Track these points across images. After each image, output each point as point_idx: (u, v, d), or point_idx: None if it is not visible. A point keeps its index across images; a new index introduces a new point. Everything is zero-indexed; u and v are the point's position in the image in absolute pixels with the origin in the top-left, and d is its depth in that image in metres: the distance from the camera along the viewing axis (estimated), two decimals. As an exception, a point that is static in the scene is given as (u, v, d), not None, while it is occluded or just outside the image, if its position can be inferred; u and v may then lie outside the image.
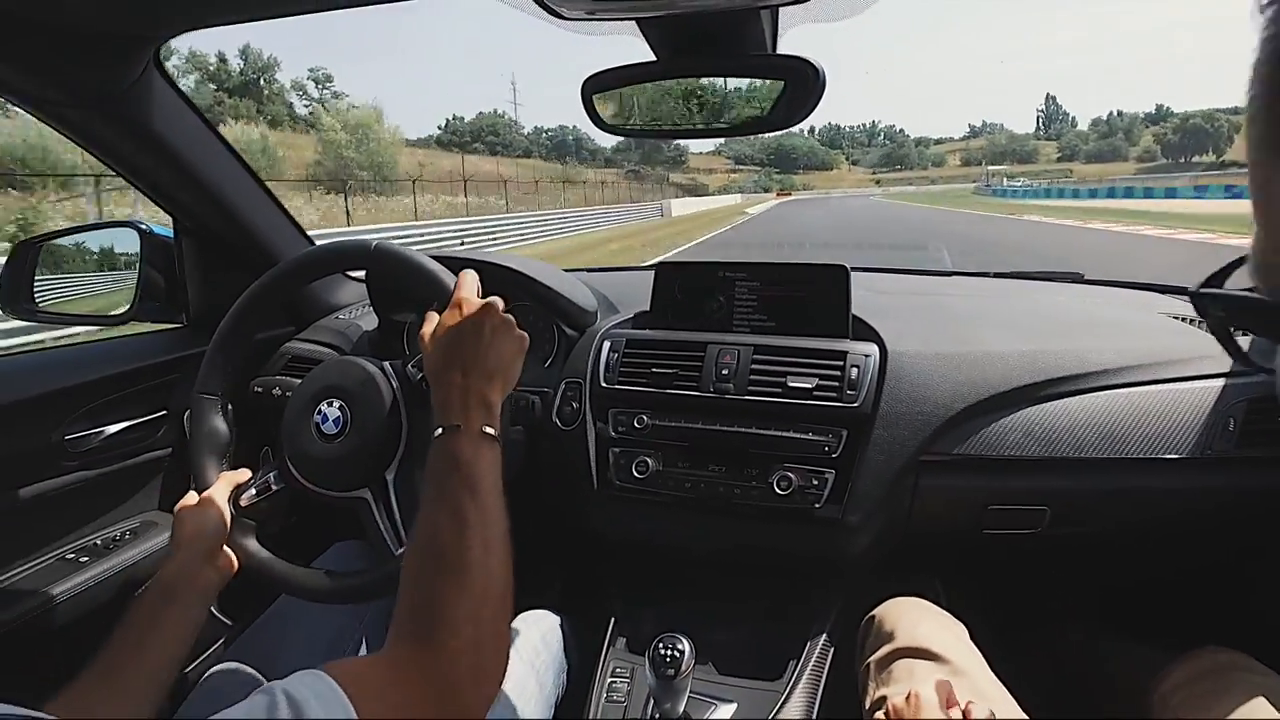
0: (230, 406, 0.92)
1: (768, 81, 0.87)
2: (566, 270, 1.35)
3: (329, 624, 0.99)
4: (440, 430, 0.70)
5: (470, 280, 0.81)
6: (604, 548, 1.23)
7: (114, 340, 1.22)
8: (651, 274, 1.22)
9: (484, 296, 0.80)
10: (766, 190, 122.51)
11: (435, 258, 0.89)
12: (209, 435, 0.89)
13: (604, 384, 1.12)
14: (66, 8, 0.77)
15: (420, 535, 0.63)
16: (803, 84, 0.85)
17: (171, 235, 1.24)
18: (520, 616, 1.07)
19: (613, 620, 1.14)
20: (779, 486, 1.02)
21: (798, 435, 1.03)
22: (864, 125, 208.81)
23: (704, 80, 0.92)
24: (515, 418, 1.13)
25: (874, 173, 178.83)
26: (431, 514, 0.64)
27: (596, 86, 0.91)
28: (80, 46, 0.86)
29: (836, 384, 1.04)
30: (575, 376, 1.14)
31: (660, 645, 0.90)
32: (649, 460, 1.08)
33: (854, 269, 1.13)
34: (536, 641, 1.03)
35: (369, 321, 1.33)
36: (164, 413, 1.20)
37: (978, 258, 11.10)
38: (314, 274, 0.94)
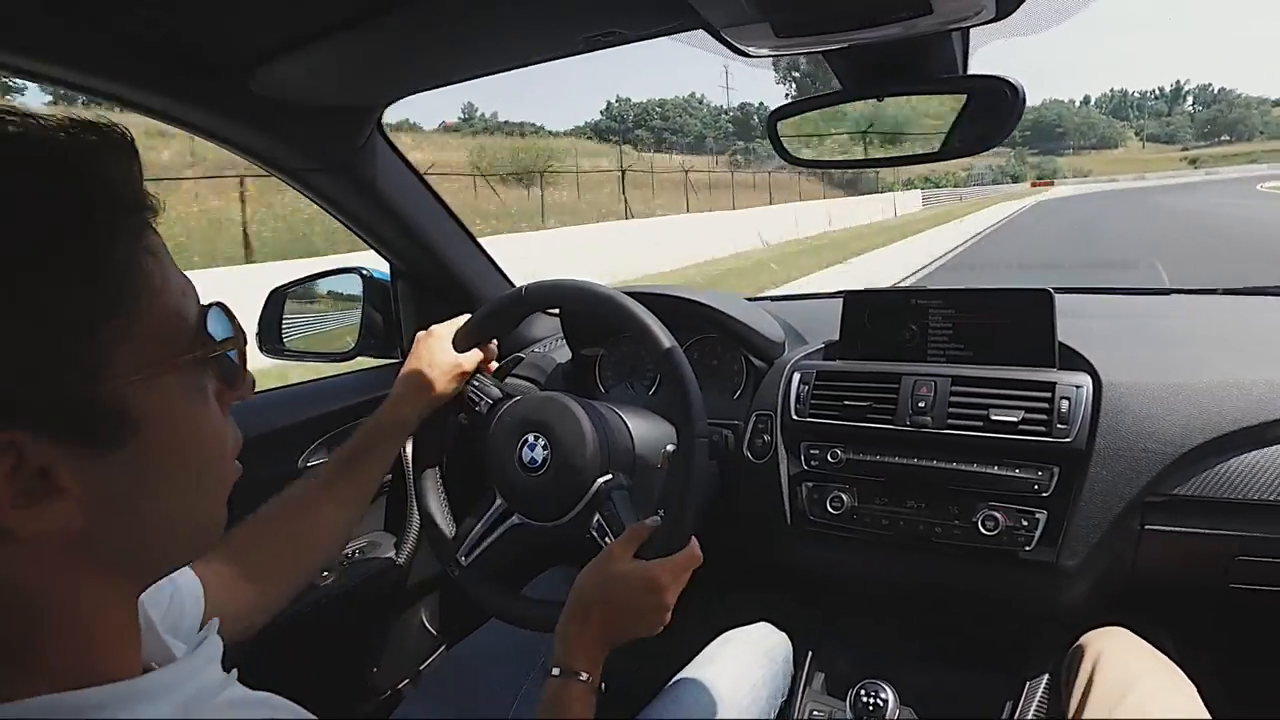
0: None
1: (959, 103, 0.85)
2: (749, 299, 1.38)
3: (528, 648, 1.03)
4: (560, 673, 0.72)
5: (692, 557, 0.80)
6: (798, 583, 1.22)
7: (342, 376, 1.38)
8: (837, 302, 1.21)
9: (671, 329, 0.86)
10: (1016, 179, 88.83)
11: (628, 293, 0.94)
12: (433, 519, 1.00)
13: (795, 417, 1.11)
14: (308, 87, 0.92)
15: None
16: (999, 103, 0.81)
17: (389, 278, 1.40)
18: (751, 626, 1.09)
19: (809, 657, 1.13)
20: (984, 526, 0.97)
21: (1004, 472, 0.97)
22: (1158, 90, 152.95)
23: (892, 106, 0.91)
24: (711, 452, 1.14)
25: (1185, 149, 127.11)
26: None
27: (783, 116, 0.94)
28: (318, 119, 1.02)
29: (1045, 417, 0.97)
30: (765, 409, 1.14)
31: (863, 692, 0.89)
32: (844, 495, 1.06)
33: (1055, 290, 1.04)
34: (760, 653, 1.04)
35: (561, 354, 1.40)
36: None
37: None
38: (538, 306, 1.03)
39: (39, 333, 0.34)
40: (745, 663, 1.01)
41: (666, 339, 0.87)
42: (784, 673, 1.05)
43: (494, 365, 1.02)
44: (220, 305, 0.44)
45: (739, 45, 0.80)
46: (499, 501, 0.97)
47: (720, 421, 1.17)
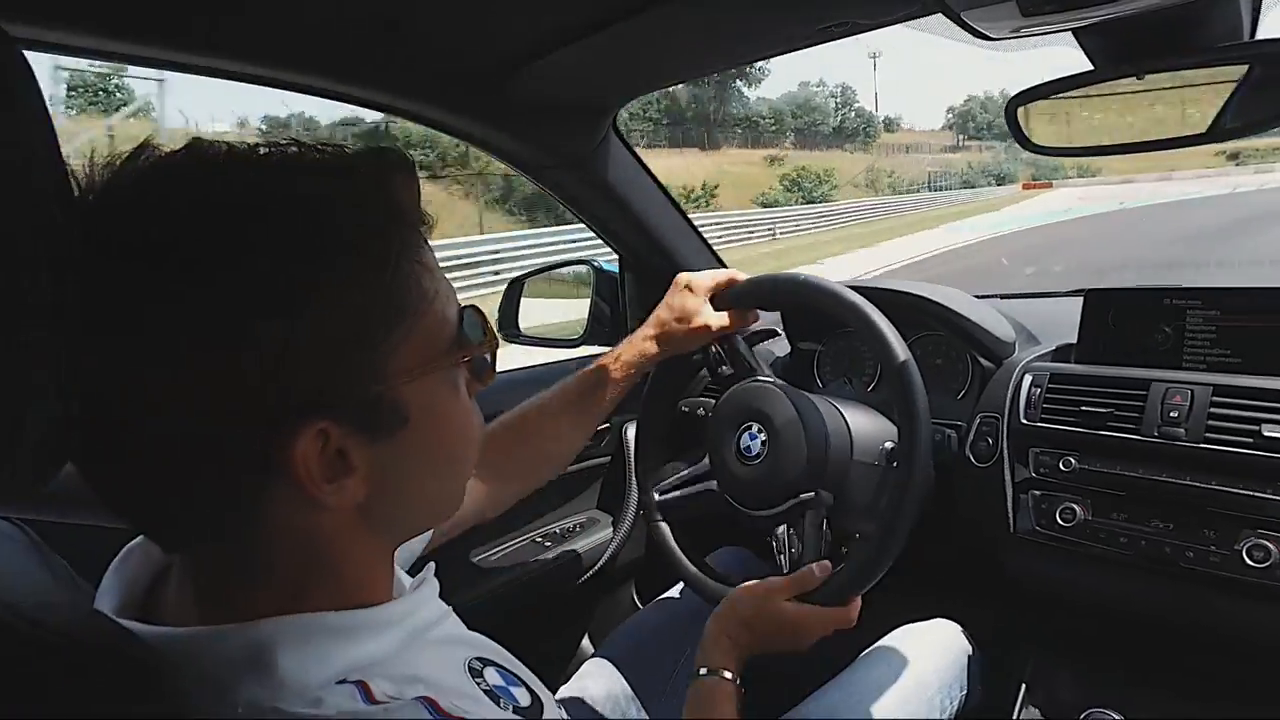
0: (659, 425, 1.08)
1: (1233, 75, 0.76)
2: (978, 296, 1.31)
3: (686, 628, 1.06)
4: (707, 673, 0.78)
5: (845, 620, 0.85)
6: (1018, 595, 1.15)
7: (567, 362, 1.46)
8: (1076, 301, 1.12)
9: (895, 324, 0.86)
10: (1002, 181, 65.88)
11: (852, 287, 0.94)
12: (647, 452, 1.07)
13: (1024, 421, 1.04)
14: (554, 90, 1.01)
15: None
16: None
17: (616, 270, 1.49)
18: (930, 623, 1.07)
19: (1027, 677, 1.07)
20: (1251, 556, 0.85)
21: (1279, 497, 0.85)
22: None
23: (1154, 85, 0.84)
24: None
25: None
26: None
27: (1023, 101, 0.90)
28: (561, 120, 1.11)
29: None
30: (991, 411, 1.08)
31: None
32: (1075, 507, 0.98)
33: None
34: (933, 650, 1.01)
35: (780, 347, 1.41)
36: (606, 425, 1.35)
37: None
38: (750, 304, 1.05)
39: (342, 342, 0.41)
40: (917, 660, 0.98)
41: (894, 337, 0.86)
42: (958, 670, 1.00)
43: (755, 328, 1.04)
44: (474, 308, 0.52)
45: (979, 28, 0.78)
46: (707, 461, 1.01)
47: (943, 422, 1.12)
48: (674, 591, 1.13)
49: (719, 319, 0.97)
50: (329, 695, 0.40)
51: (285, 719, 0.39)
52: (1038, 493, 1.01)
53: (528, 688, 0.51)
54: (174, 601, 0.47)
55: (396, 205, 0.44)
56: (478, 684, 0.47)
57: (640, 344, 0.97)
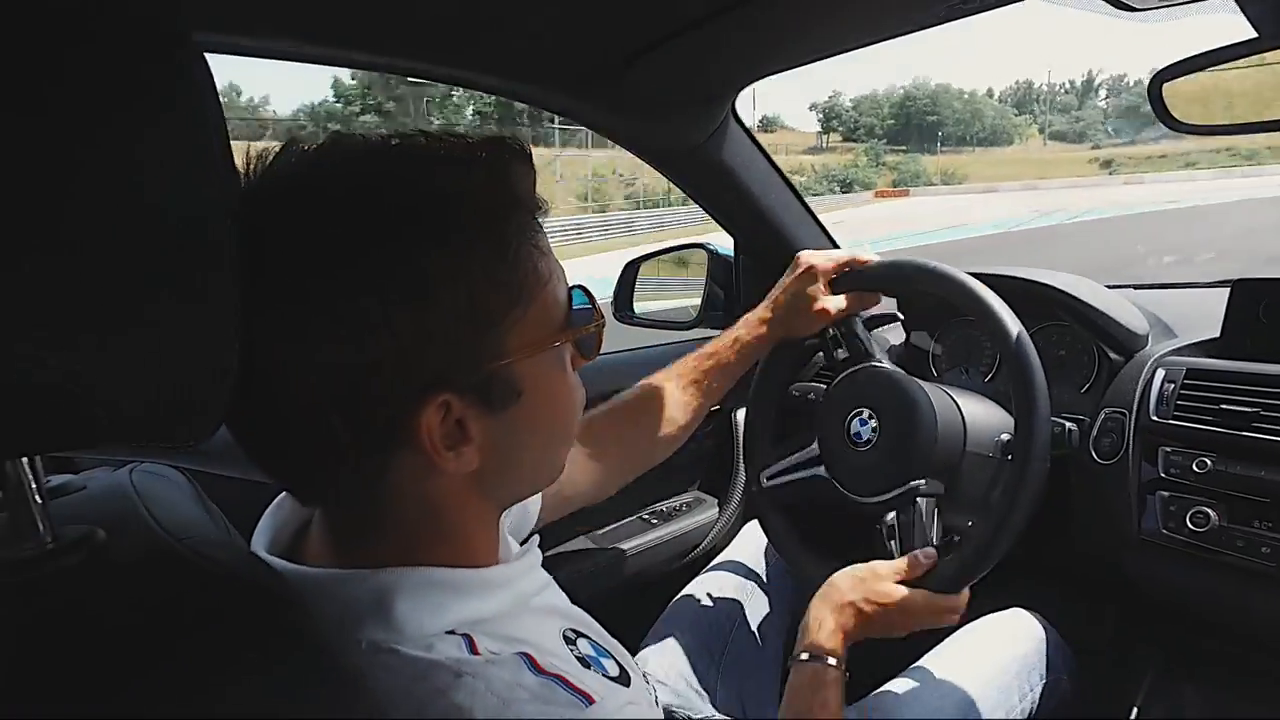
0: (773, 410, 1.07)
1: None
2: (1110, 286, 1.23)
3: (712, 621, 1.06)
4: (810, 658, 0.77)
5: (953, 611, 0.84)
6: (1136, 604, 1.09)
7: (681, 344, 1.46)
8: (1220, 294, 1.03)
9: (1018, 313, 0.83)
10: (848, 187, 61.52)
11: (974, 274, 0.91)
12: (756, 435, 1.07)
13: (1155, 417, 0.99)
14: (664, 69, 0.99)
15: None
16: None
17: (732, 255, 1.48)
18: (1009, 611, 1.03)
19: (1144, 689, 1.02)
20: None
21: None
22: (1068, 83, 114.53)
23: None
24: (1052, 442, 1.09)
25: (1095, 148, 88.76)
26: None
27: (1170, 76, 0.84)
28: (679, 108, 1.11)
29: None
30: (1118, 406, 1.03)
31: None
32: (1210, 512, 0.92)
33: None
34: (1010, 636, 0.98)
35: (897, 335, 1.37)
36: (717, 408, 1.36)
37: None
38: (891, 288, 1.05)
39: (466, 324, 0.44)
40: (994, 648, 0.96)
41: (1014, 325, 0.83)
42: (1037, 659, 0.96)
43: (871, 312, 1.01)
44: (582, 288, 0.55)
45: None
46: (816, 446, 1.01)
47: (1066, 415, 1.06)
48: (696, 585, 1.12)
49: (838, 302, 0.96)
50: (439, 643, 0.44)
51: (402, 659, 0.43)
52: (1166, 494, 0.96)
53: (617, 661, 0.54)
54: (315, 546, 0.53)
55: (515, 193, 0.47)
56: (570, 651, 0.51)
57: (756, 326, 0.96)
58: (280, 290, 0.41)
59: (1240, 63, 0.79)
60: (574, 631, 0.54)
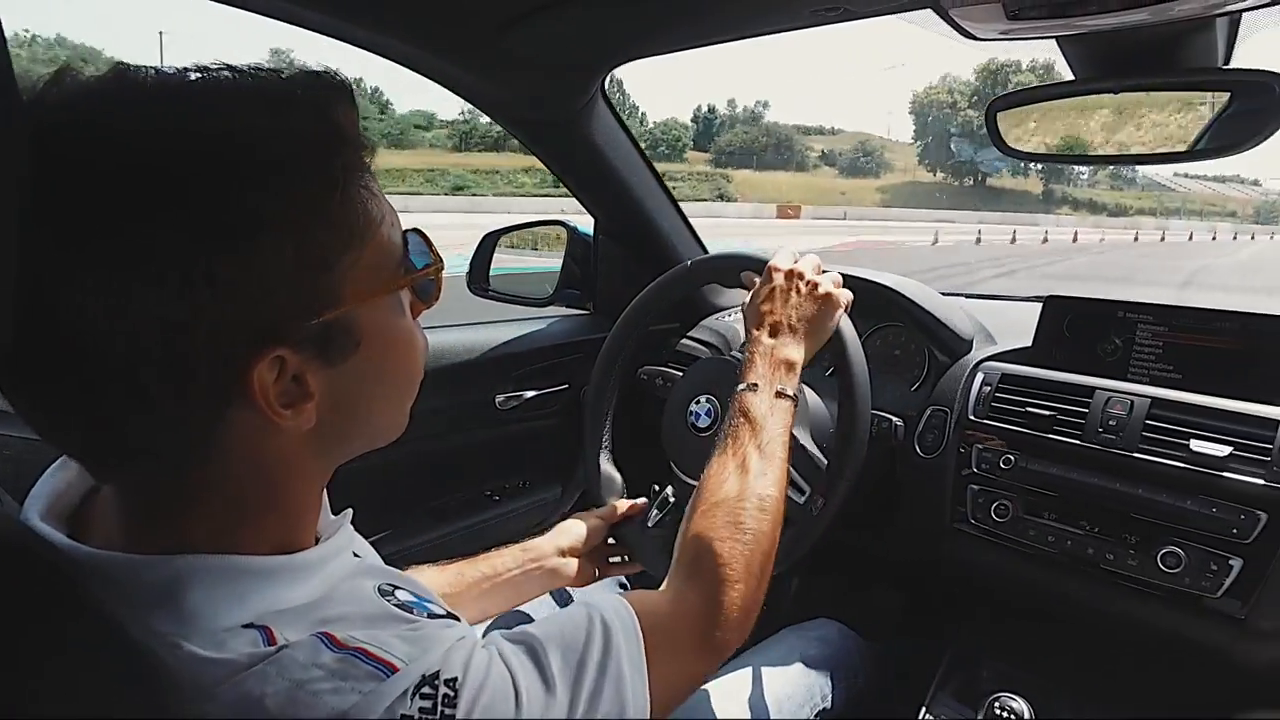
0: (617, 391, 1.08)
1: (1213, 98, 0.78)
2: (944, 294, 1.33)
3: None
4: (741, 387, 0.77)
5: (786, 253, 0.86)
6: (949, 586, 1.19)
7: (534, 319, 1.47)
8: (1037, 306, 1.14)
9: (858, 313, 0.87)
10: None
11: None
12: (598, 416, 1.07)
13: (972, 416, 1.07)
14: (537, 39, 0.98)
15: (709, 483, 0.69)
16: (1262, 100, 0.74)
17: (591, 234, 1.48)
18: (811, 622, 1.09)
19: (944, 662, 1.11)
20: (1164, 563, 0.90)
21: (1198, 509, 0.89)
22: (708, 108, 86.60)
23: (1129, 101, 0.85)
24: (878, 438, 1.12)
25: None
26: (721, 465, 0.70)
27: (1003, 106, 0.91)
28: (550, 77, 1.10)
29: (1262, 457, 0.86)
30: (942, 405, 1.11)
31: (997, 705, 0.86)
32: (1010, 504, 1.02)
33: None
34: (812, 641, 1.04)
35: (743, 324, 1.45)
36: (565, 386, 1.42)
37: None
38: (705, 280, 1.07)
39: (294, 270, 0.41)
40: (794, 652, 1.00)
41: (847, 326, 0.88)
42: (832, 666, 1.01)
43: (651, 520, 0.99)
44: (417, 230, 0.52)
45: (967, 27, 0.79)
46: (669, 489, 1.01)
47: (893, 412, 1.15)
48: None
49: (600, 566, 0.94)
50: (232, 639, 0.41)
51: (183, 656, 0.39)
52: (976, 487, 1.05)
53: (441, 606, 0.51)
54: (101, 523, 0.47)
55: (339, 130, 0.44)
56: (387, 601, 0.47)
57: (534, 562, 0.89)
58: (79, 234, 0.37)
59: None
60: (390, 585, 0.51)
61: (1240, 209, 73.57)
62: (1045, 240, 28.75)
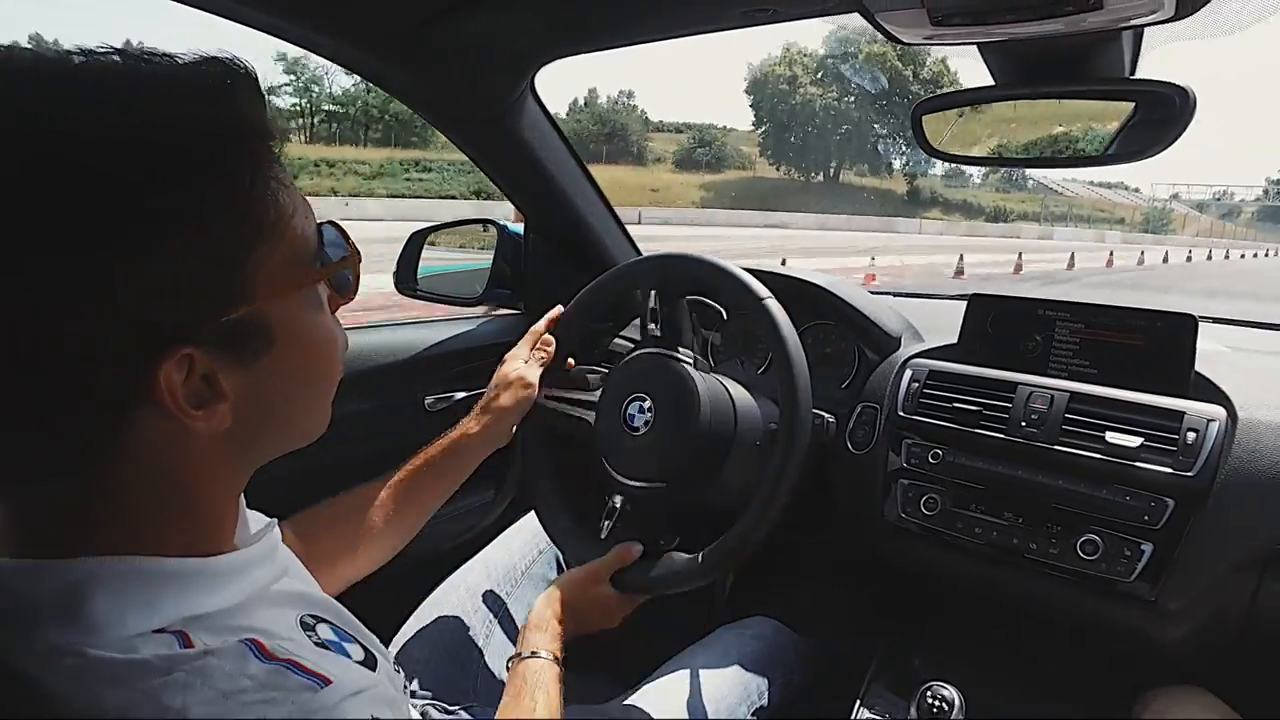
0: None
1: (1123, 107, 0.82)
2: (873, 293, 1.36)
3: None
4: (532, 654, 0.77)
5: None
6: (882, 579, 1.21)
7: (464, 319, 1.45)
8: (962, 304, 1.18)
9: (789, 313, 0.89)
10: None
11: (751, 271, 0.96)
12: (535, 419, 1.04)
13: (901, 413, 1.10)
14: (464, 34, 0.97)
15: None
16: (1164, 110, 0.78)
17: (522, 233, 1.45)
18: (748, 620, 1.10)
19: (878, 655, 1.13)
20: (1083, 550, 0.94)
21: (1112, 497, 0.93)
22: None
23: (1045, 107, 0.89)
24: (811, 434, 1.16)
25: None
26: None
27: (928, 109, 0.94)
28: (477, 73, 1.08)
29: (1169, 447, 0.92)
30: (872, 401, 1.14)
31: (929, 694, 0.88)
32: (938, 498, 1.05)
33: (1203, 319, 0.98)
34: (750, 639, 1.04)
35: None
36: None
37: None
38: (636, 284, 1.06)
39: (202, 267, 0.39)
40: (732, 651, 1.01)
41: (761, 290, 0.90)
42: (765, 665, 1.02)
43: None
44: (332, 223, 0.50)
45: (892, 30, 0.80)
46: (616, 499, 1.00)
47: (825, 409, 1.17)
48: (462, 573, 1.11)
49: (532, 371, 1.00)
50: (144, 644, 0.38)
51: (91, 662, 0.37)
52: (906, 482, 1.07)
53: (363, 646, 0.50)
54: None
55: (245, 119, 0.41)
56: (309, 637, 0.46)
57: (466, 424, 0.95)
58: None
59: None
60: (313, 617, 0.48)
61: (1129, 215, 75.52)
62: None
